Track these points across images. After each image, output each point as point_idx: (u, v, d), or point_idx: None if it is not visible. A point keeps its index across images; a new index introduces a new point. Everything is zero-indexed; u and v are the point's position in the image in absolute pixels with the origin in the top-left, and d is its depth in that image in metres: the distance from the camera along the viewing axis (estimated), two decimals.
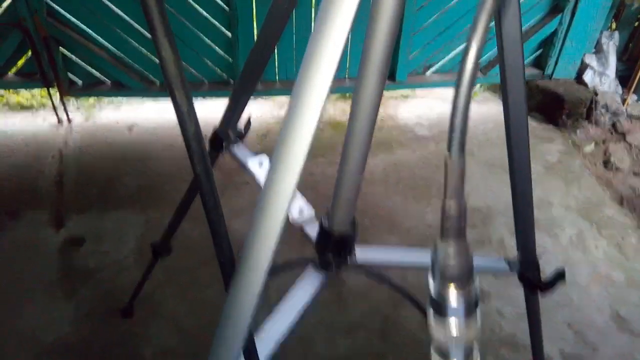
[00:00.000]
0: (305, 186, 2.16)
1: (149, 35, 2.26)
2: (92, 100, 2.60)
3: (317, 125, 0.55)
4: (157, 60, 2.31)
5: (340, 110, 2.66)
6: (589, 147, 2.55)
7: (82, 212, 2.01)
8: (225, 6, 2.23)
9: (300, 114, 0.56)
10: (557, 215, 2.13)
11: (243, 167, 1.02)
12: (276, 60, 2.45)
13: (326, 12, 0.52)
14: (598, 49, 2.65)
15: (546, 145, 2.53)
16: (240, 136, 1.04)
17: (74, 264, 1.80)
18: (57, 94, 2.38)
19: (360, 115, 0.75)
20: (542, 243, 1.97)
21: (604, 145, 2.56)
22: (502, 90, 0.76)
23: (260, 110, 2.62)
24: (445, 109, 2.75)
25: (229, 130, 1.02)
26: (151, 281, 1.56)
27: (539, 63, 2.66)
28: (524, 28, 2.52)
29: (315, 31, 0.54)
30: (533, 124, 2.67)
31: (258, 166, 0.99)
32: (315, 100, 0.55)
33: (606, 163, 2.46)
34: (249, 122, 1.05)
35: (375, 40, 0.66)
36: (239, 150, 1.03)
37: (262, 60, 0.89)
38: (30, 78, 2.34)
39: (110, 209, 2.02)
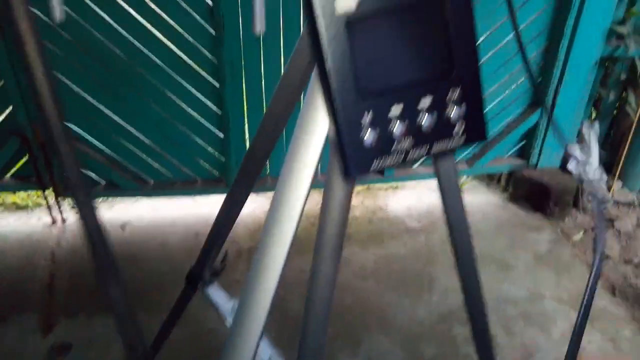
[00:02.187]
0: (296, 283, 2.16)
1: (142, 138, 2.34)
2: None
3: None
4: (150, 161, 2.38)
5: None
6: (578, 236, 2.57)
7: (71, 317, 2.00)
8: (217, 109, 2.32)
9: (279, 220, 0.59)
10: (549, 308, 2.12)
11: (215, 309, 1.03)
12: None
13: (305, 120, 0.58)
14: (580, 139, 2.71)
15: (535, 234, 2.56)
16: (216, 274, 1.06)
17: None
18: (53, 194, 2.43)
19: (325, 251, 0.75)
20: (535, 339, 1.96)
21: (593, 233, 2.58)
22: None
23: (251, 206, 2.67)
24: (433, 199, 2.80)
25: (205, 269, 1.04)
26: None
27: (523, 154, 2.73)
28: (506, 121, 2.62)
29: (295, 136, 0.59)
30: (521, 214, 2.70)
31: (230, 311, 1.00)
32: (291, 211, 0.59)
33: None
34: (224, 259, 1.07)
35: None
36: (213, 291, 1.05)
37: (239, 201, 0.93)
38: (26, 180, 2.39)
39: (100, 313, 2.01)
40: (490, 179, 2.96)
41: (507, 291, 2.20)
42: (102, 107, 2.26)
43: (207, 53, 2.17)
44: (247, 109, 2.36)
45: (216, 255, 1.04)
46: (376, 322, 2.02)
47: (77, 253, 2.31)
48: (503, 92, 2.52)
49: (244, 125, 2.40)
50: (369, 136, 0.51)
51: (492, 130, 2.63)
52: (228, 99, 2.27)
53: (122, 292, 0.61)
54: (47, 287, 2.14)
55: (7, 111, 2.21)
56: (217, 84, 2.26)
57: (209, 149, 2.44)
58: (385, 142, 0.52)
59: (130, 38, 2.11)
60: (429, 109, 0.52)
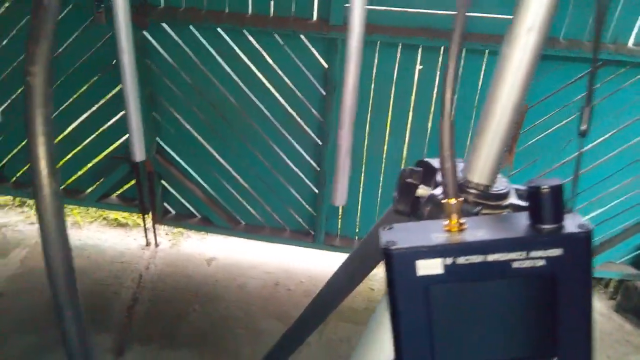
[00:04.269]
0: None
1: (242, 181, 2.40)
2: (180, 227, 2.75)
3: None
4: (245, 204, 2.43)
5: None
6: None
7: (144, 344, 2.06)
8: (316, 165, 2.32)
9: None
10: None
11: None
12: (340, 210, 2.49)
13: None
14: None
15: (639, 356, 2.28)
16: None
17: None
18: (151, 219, 2.55)
19: None
20: None
21: None
22: None
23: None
24: None
25: None
26: None
27: (639, 263, 2.47)
28: (623, 225, 2.38)
29: None
30: (627, 328, 2.43)
31: None
32: None
33: None
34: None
35: None
36: None
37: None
38: (129, 203, 2.53)
39: (170, 346, 2.06)
40: (597, 281, 2.70)
41: None
42: (209, 147, 2.35)
43: (314, 112, 2.19)
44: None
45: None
46: None
47: (162, 280, 2.40)
48: (625, 193, 2.29)
49: None
50: None
51: (606, 232, 2.40)
52: (328, 157, 2.27)
53: (80, 330, 0.51)
54: (127, 310, 2.23)
55: (122, 139, 2.37)
56: (319, 142, 2.26)
57: (302, 202, 2.44)
58: None
59: (245, 89, 2.18)
60: None
